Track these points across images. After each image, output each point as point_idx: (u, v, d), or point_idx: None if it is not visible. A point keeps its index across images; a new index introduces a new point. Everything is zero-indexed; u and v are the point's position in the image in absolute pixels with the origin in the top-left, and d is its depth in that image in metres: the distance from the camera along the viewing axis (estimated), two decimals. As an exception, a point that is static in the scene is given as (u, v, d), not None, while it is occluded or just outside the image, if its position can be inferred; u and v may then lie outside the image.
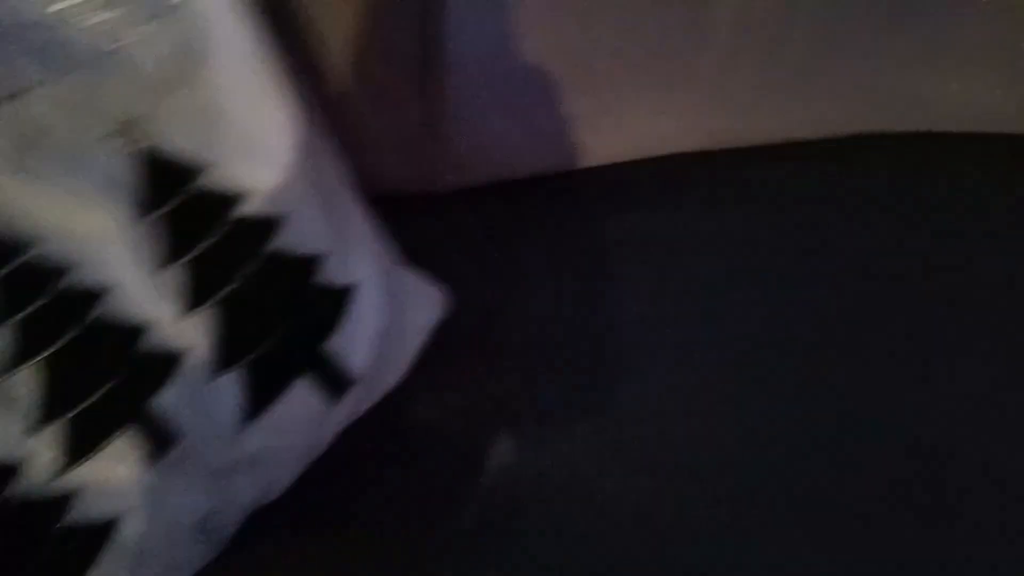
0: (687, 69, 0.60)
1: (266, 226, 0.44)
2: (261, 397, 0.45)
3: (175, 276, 0.41)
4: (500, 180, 0.64)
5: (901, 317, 0.58)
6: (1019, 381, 0.55)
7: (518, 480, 0.51)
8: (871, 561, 0.47)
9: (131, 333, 0.41)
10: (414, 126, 0.57)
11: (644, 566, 0.47)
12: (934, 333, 0.57)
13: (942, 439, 0.51)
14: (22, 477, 0.38)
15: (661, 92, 0.62)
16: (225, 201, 0.42)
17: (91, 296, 0.39)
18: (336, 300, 0.48)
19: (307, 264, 0.46)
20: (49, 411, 0.38)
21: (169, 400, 0.42)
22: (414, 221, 0.60)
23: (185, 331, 0.42)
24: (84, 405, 0.39)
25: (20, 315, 0.37)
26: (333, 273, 0.48)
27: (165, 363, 0.42)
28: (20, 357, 0.37)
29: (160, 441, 0.42)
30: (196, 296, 0.42)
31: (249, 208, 0.43)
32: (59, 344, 0.38)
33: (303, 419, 0.48)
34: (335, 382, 0.48)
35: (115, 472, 0.40)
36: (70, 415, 0.39)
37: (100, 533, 0.40)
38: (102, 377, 0.40)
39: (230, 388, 0.44)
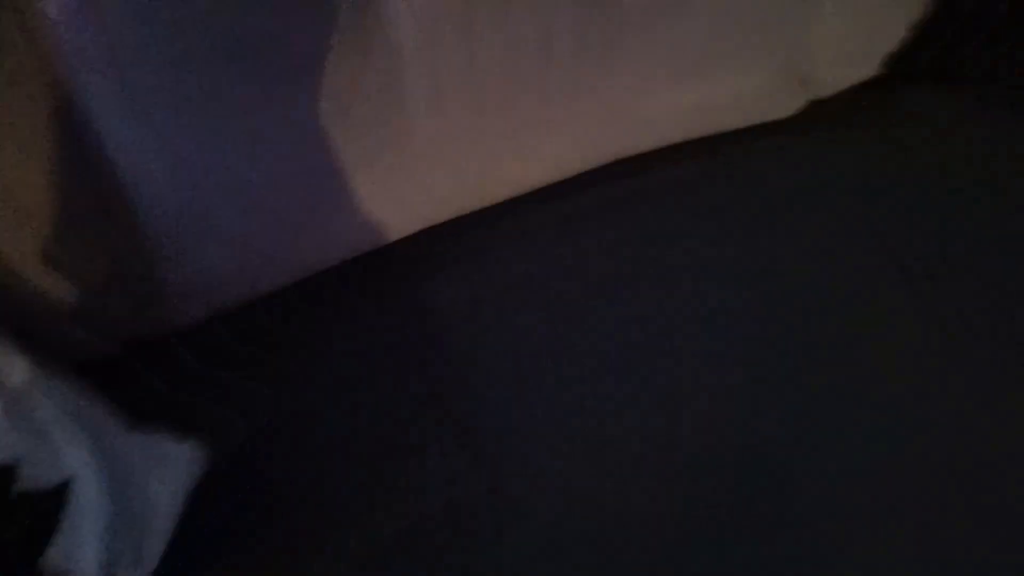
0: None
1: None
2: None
3: None
4: (245, 301, 0.60)
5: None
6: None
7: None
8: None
9: None
10: (124, 273, 0.52)
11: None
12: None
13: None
14: None
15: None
16: None
17: None
18: (45, 506, 0.42)
19: (-4, 478, 0.40)
20: None
21: None
22: (176, 362, 0.55)
23: None
24: None
25: None
26: (35, 478, 0.41)
27: None
28: None
29: None
30: None
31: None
32: None
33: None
34: (63, 599, 0.42)
35: None
36: None
37: None
38: None
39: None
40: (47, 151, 0.45)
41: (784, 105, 0.74)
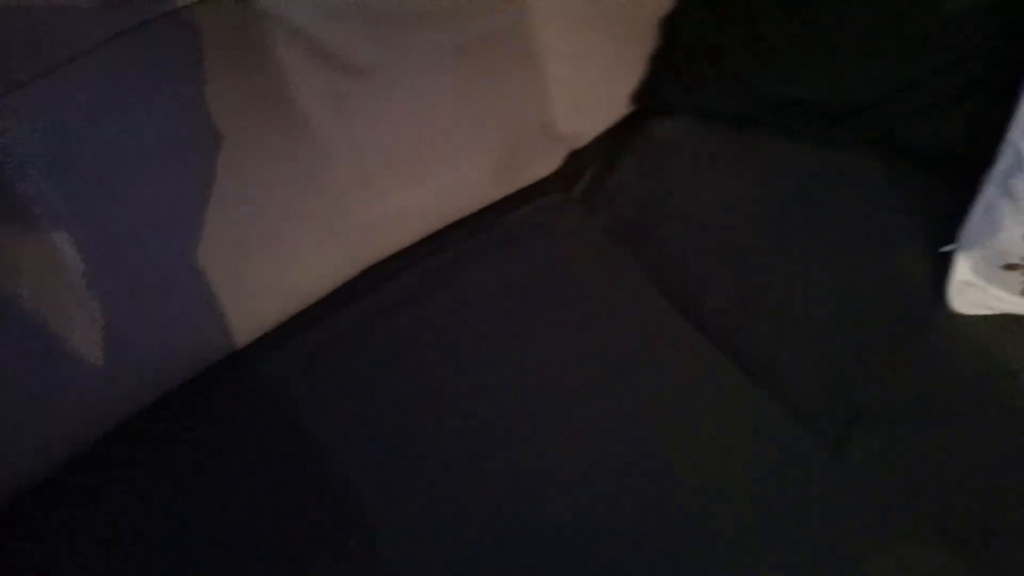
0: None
1: None
2: None
3: None
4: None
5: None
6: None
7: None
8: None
9: None
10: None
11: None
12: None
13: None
14: None
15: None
16: None
17: None
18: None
19: None
20: None
21: None
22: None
23: None
24: None
25: None
26: None
27: None
28: None
29: None
30: None
31: None
32: None
33: None
34: None
35: None
36: None
37: None
38: None
39: None
40: None
41: (544, 164, 0.80)
